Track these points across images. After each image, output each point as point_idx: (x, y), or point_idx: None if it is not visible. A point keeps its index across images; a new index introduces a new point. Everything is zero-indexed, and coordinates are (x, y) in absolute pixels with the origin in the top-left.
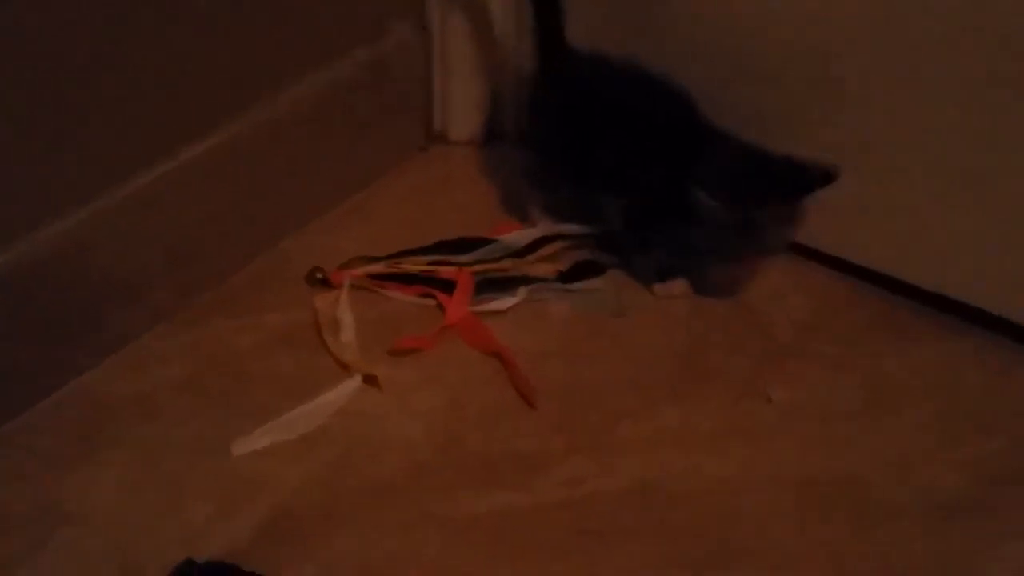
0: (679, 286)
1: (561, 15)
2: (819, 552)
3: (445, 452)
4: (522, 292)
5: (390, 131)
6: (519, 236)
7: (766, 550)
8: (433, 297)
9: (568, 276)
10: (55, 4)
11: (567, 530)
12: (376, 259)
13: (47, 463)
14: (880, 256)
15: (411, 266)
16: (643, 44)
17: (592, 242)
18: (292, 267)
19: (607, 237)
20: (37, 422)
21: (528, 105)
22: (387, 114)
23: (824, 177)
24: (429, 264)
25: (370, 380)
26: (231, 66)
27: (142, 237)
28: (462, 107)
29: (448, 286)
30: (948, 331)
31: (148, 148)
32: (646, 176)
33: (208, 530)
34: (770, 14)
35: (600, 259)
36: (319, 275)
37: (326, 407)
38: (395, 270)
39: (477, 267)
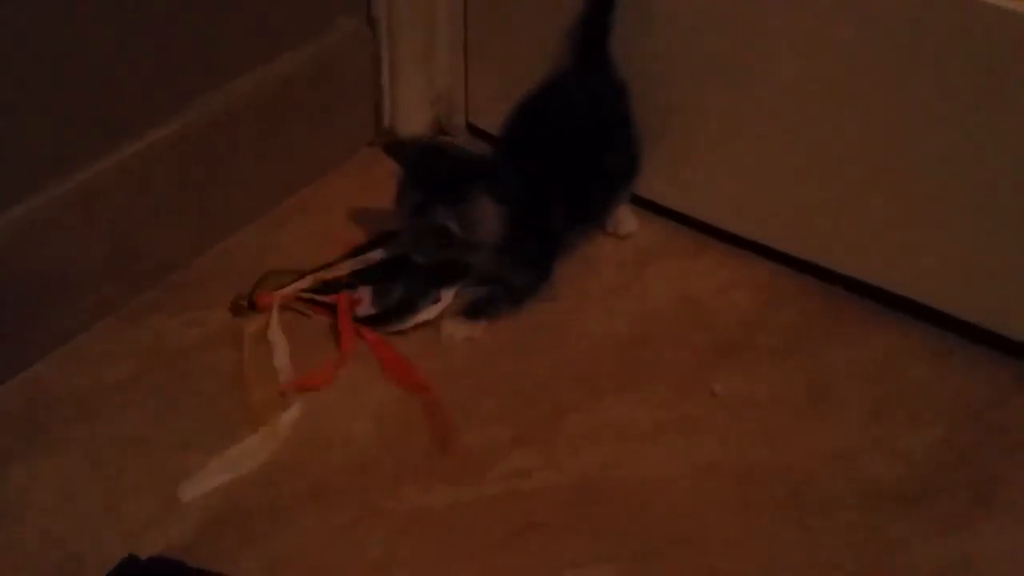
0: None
1: None
2: (759, 542)
3: (390, 447)
4: (447, 296)
5: (339, 126)
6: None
7: (707, 541)
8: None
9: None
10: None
11: (512, 523)
12: (295, 273)
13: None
14: (822, 251)
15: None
16: None
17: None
18: (237, 264)
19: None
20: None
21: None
22: (335, 109)
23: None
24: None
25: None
26: (176, 59)
27: (85, 232)
28: (411, 102)
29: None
30: (890, 325)
31: (91, 141)
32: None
33: (151, 526)
34: None
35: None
36: (243, 302)
37: (271, 439)
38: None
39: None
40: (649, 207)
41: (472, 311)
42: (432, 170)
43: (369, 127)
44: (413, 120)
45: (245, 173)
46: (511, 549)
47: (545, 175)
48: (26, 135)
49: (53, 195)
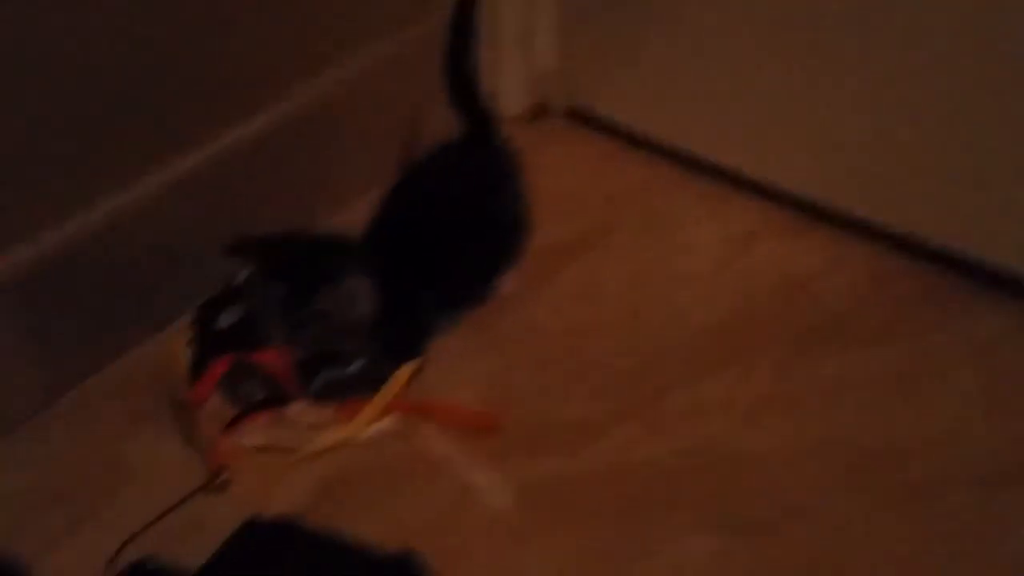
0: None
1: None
2: (861, 521)
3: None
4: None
5: (438, 107)
6: None
7: (811, 518)
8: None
9: None
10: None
11: (617, 496)
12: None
13: (116, 423)
14: (926, 228)
15: None
16: None
17: None
18: None
19: None
20: (107, 383)
21: None
22: (436, 93)
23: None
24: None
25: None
26: (279, 47)
27: (197, 212)
28: (511, 85)
29: None
30: (994, 305)
31: (215, 117)
32: None
33: (272, 488)
34: None
35: None
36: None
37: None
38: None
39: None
40: (748, 187)
41: (324, 391)
42: (292, 257)
43: None
44: (513, 101)
45: (349, 156)
46: (616, 521)
47: (414, 259)
48: (155, 112)
49: (167, 177)
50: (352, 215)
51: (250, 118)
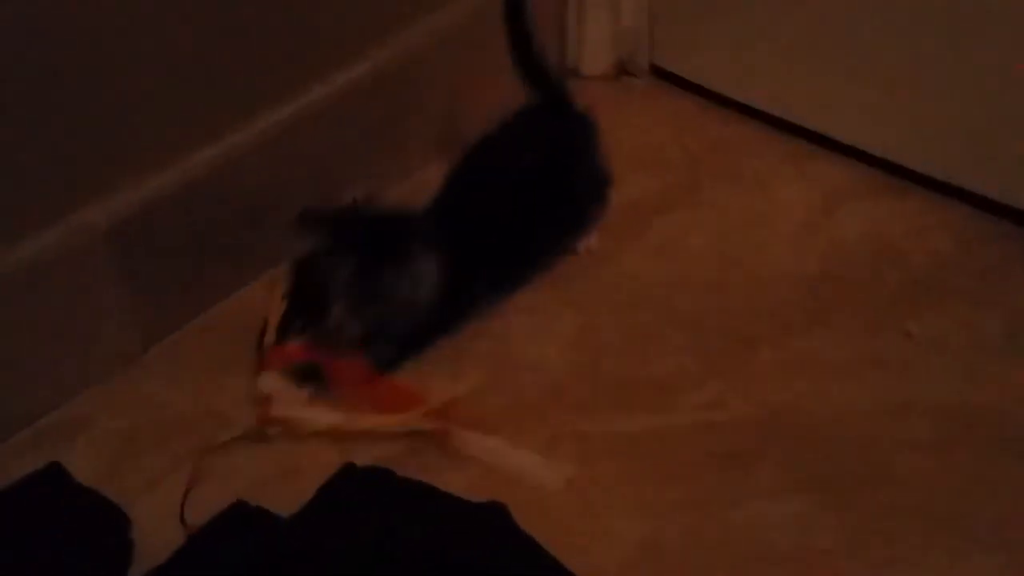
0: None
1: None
2: (953, 481)
3: (582, 374)
4: None
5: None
6: None
7: (900, 478)
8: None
9: None
10: None
11: (705, 451)
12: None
13: (209, 370)
14: (1016, 191)
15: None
16: None
17: None
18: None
19: None
20: (199, 332)
21: None
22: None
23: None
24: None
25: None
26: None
27: (290, 163)
28: (596, 41)
29: None
30: None
31: (311, 67)
32: None
33: (363, 441)
34: None
35: None
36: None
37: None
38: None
39: None
40: (835, 147)
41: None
42: (360, 232)
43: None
44: (597, 60)
45: (436, 109)
46: (704, 476)
47: (486, 229)
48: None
49: (261, 127)
50: (424, 178)
51: (331, 76)
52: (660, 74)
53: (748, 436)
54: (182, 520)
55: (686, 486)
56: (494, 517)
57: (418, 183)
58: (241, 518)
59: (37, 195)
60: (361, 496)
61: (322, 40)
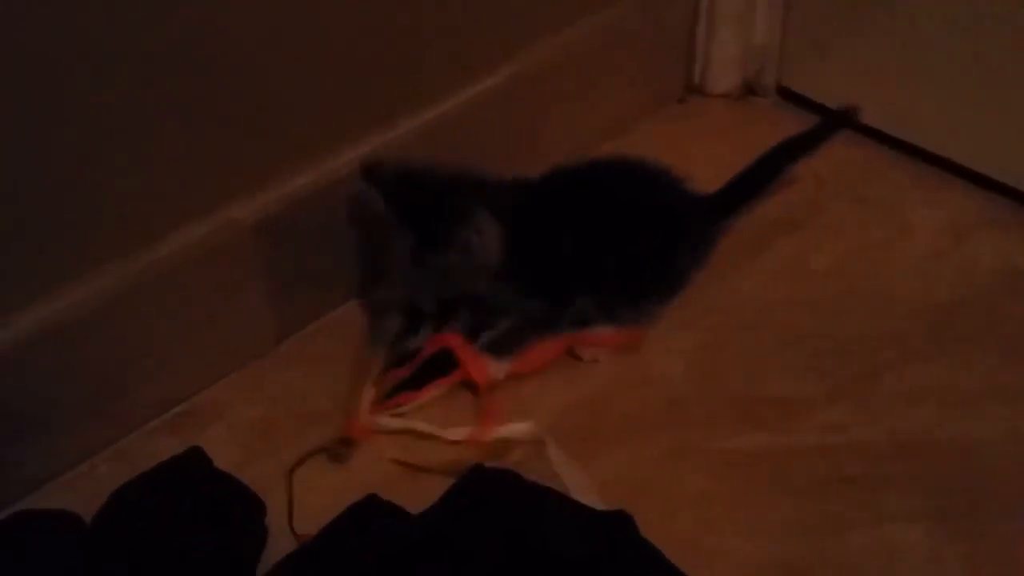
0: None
1: None
2: None
3: (703, 390)
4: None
5: (649, 80)
6: None
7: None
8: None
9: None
10: None
11: (826, 473)
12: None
13: (341, 364)
14: None
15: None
16: None
17: None
18: None
19: None
20: (330, 330)
21: None
22: (648, 62)
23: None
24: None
25: None
26: (505, 10)
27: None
28: (724, 59)
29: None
30: None
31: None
32: None
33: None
34: None
35: None
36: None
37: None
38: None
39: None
40: (966, 175)
41: (497, 348)
42: (424, 196)
43: (678, 83)
44: (724, 78)
45: (556, 123)
46: (825, 497)
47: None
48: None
49: (401, 132)
50: None
51: (492, 72)
52: (786, 95)
53: (872, 460)
54: (291, 530)
55: (808, 506)
56: (621, 525)
57: None
58: (372, 510)
59: (188, 190)
60: (491, 496)
61: (475, 41)
